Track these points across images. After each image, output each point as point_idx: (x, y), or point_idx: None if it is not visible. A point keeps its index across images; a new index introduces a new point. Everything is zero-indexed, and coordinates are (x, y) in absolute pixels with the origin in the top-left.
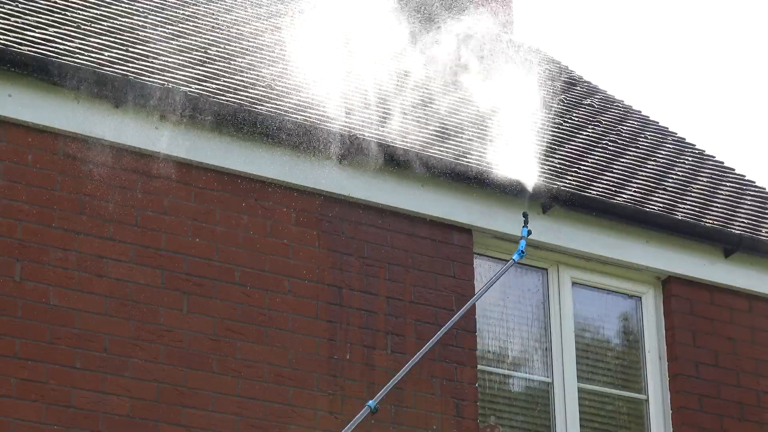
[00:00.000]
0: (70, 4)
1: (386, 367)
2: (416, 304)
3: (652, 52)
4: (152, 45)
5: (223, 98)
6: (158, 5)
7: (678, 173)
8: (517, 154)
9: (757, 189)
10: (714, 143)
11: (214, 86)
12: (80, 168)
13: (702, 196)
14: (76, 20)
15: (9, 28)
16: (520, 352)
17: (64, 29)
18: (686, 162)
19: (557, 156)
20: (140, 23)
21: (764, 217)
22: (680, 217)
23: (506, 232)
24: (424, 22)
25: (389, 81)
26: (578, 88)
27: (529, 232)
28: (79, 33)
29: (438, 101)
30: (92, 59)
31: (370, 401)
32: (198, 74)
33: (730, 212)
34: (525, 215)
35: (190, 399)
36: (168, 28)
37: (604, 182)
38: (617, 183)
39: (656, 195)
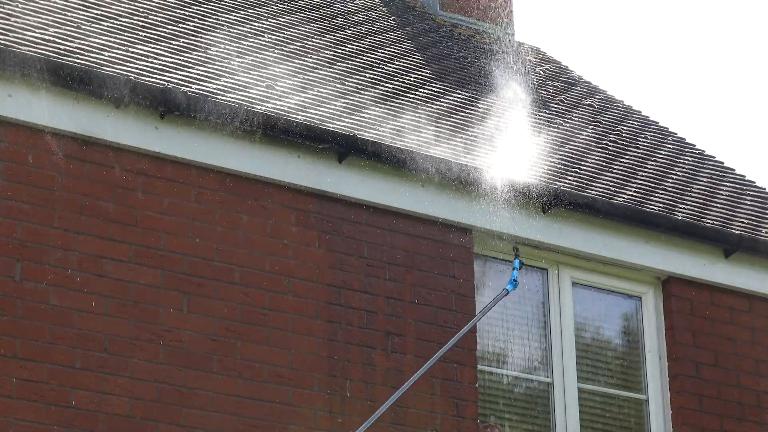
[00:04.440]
0: (70, 4)
1: (386, 367)
2: (416, 304)
3: (652, 52)
4: (152, 45)
5: (223, 98)
6: (158, 5)
7: (678, 173)
8: (516, 154)
9: (757, 189)
10: (714, 143)
11: (214, 86)
12: (80, 168)
13: (702, 196)
14: (76, 20)
15: (9, 28)
16: (520, 352)
17: (64, 29)
18: (686, 162)
19: (557, 156)
20: (140, 23)
21: (764, 217)
22: (680, 217)
23: (506, 232)
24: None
25: (388, 81)
26: (578, 88)
27: (522, 264)
28: (79, 33)
29: (438, 101)
30: (92, 59)
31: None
32: (198, 74)
33: (730, 212)
34: (516, 249)
35: (190, 399)
36: (168, 28)
37: (604, 182)
38: (617, 183)
39: (656, 195)
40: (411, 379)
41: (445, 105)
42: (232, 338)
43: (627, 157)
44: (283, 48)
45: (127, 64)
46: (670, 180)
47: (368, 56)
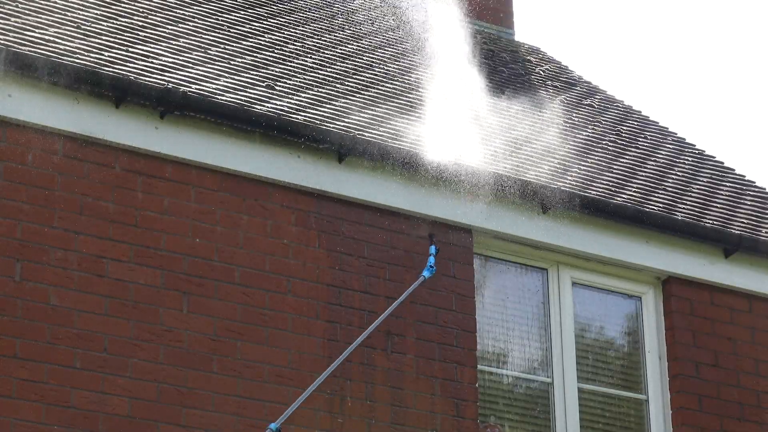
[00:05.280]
0: (70, 4)
1: (386, 367)
2: (416, 304)
3: (652, 52)
4: (152, 45)
5: (223, 98)
6: (158, 5)
7: (678, 173)
8: (516, 154)
9: (757, 189)
10: (714, 143)
11: (214, 86)
12: (80, 168)
13: (702, 196)
14: (76, 20)
15: (9, 28)
16: (520, 352)
17: (64, 29)
18: (686, 162)
19: (557, 156)
20: (140, 23)
21: (764, 217)
22: (680, 217)
23: (506, 232)
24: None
25: (388, 81)
26: (578, 88)
27: (438, 250)
28: (79, 33)
29: (437, 101)
30: (92, 59)
31: (272, 424)
32: (198, 74)
33: (730, 212)
34: (431, 236)
35: (190, 399)
36: (168, 28)
37: (604, 182)
38: (617, 183)
39: (656, 195)
40: (333, 364)
41: (444, 105)
42: (232, 338)
43: (627, 157)
44: (283, 48)
45: (127, 64)
46: (670, 180)
47: (368, 56)
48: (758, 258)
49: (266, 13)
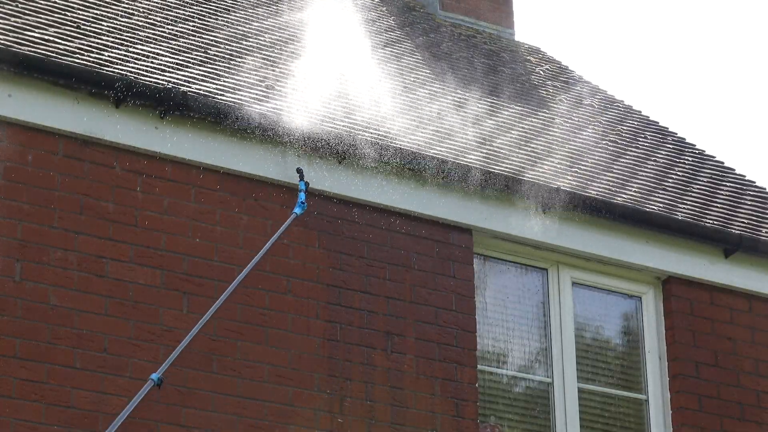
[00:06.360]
0: (70, 4)
1: (386, 367)
2: (416, 304)
3: (652, 52)
4: (152, 45)
5: (223, 98)
6: (158, 5)
7: (678, 173)
8: (516, 152)
9: (757, 189)
10: (714, 143)
11: (214, 86)
12: (80, 168)
13: (702, 196)
14: (76, 20)
15: (9, 28)
16: (520, 352)
17: (64, 29)
18: (686, 162)
19: (557, 156)
20: (140, 23)
21: (764, 217)
22: (680, 217)
23: (506, 232)
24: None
25: (388, 81)
26: (578, 88)
27: (307, 185)
28: (79, 33)
29: (438, 101)
30: (92, 59)
31: (154, 374)
32: (198, 74)
33: (730, 212)
34: (299, 171)
35: (190, 399)
36: (168, 28)
37: (604, 182)
38: (617, 183)
39: (656, 195)
40: (202, 319)
41: (445, 105)
42: (232, 338)
43: (627, 157)
44: (283, 48)
45: (127, 64)
46: (670, 180)
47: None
48: (758, 258)
49: (266, 13)
